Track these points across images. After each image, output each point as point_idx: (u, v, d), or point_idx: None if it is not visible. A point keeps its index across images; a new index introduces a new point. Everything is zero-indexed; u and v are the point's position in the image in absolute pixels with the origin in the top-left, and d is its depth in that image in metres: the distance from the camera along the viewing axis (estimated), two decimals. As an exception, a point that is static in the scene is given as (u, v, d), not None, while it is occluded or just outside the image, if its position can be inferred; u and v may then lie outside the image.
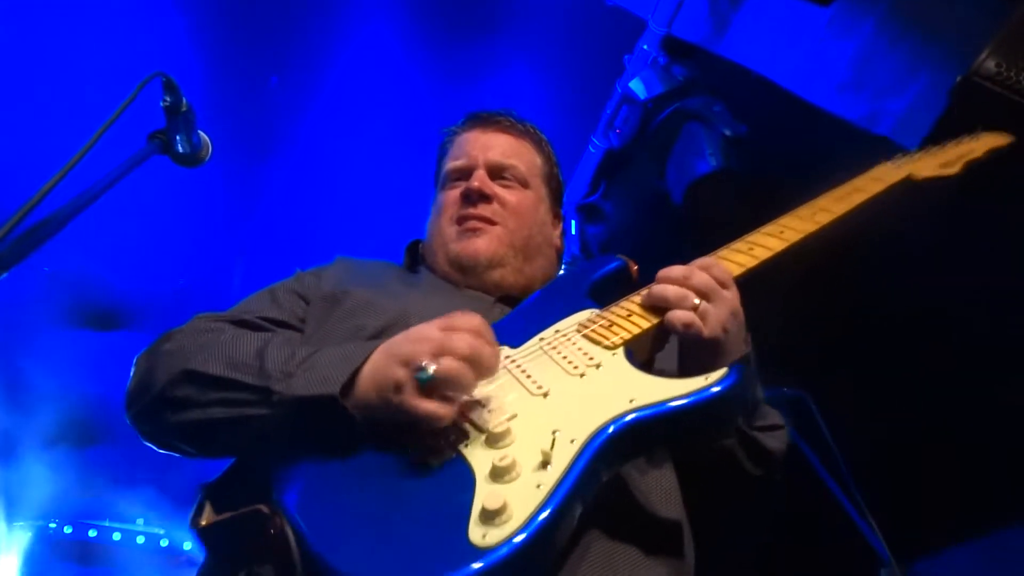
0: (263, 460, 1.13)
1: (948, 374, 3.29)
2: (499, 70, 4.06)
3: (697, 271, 1.27)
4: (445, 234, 1.69)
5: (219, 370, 1.18)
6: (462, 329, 1.12)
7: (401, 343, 1.13)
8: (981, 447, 3.62)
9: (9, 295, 4.76)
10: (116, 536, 5.62)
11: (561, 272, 1.82)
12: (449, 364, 1.07)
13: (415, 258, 1.80)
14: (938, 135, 2.67)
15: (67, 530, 5.50)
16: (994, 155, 1.73)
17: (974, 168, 1.69)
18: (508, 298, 1.61)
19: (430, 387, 1.06)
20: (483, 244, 1.64)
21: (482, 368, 1.11)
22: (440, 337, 1.11)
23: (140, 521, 5.74)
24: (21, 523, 5.36)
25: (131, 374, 1.32)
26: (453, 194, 1.72)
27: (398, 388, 1.07)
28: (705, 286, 1.24)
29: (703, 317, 1.21)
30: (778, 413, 1.46)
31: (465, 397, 1.10)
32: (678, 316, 1.22)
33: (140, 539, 5.68)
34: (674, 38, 3.48)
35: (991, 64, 2.33)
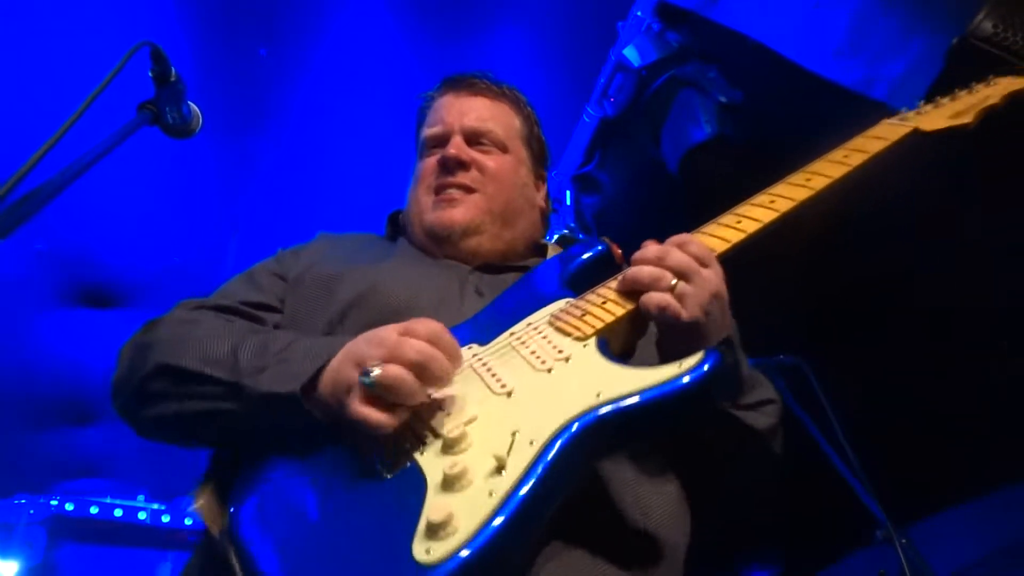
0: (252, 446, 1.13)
1: (946, 340, 3.30)
2: (491, 39, 4.02)
3: (673, 249, 1.18)
4: (421, 204, 1.66)
5: (193, 365, 1.17)
6: (418, 334, 1.08)
7: (359, 344, 1.10)
8: (976, 412, 3.65)
9: (1, 274, 4.74)
10: (118, 512, 5.65)
11: (549, 248, 1.77)
12: (392, 371, 1.02)
13: (396, 228, 1.78)
14: (934, 98, 2.67)
15: (68, 507, 5.53)
16: (1013, 99, 1.61)
17: (990, 116, 1.57)
18: (487, 266, 1.59)
19: (374, 393, 1.02)
20: (459, 214, 1.60)
21: (431, 377, 1.05)
22: (394, 341, 1.06)
23: (141, 497, 5.77)
24: (22, 500, 5.38)
25: (116, 365, 1.32)
26: (430, 162, 1.69)
27: (348, 389, 1.05)
28: (682, 265, 1.16)
29: (681, 299, 1.13)
30: (770, 386, 1.40)
31: (415, 403, 1.05)
32: (652, 299, 1.13)
33: (142, 515, 5.71)
34: (668, 4, 3.44)
35: (988, 25, 2.31)
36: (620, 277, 1.22)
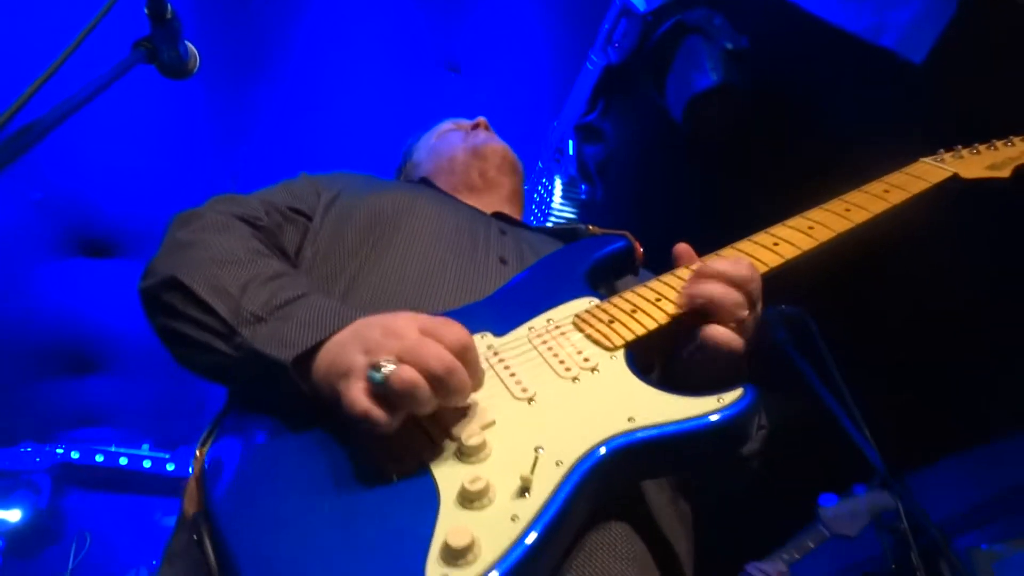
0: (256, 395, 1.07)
1: (944, 297, 3.31)
2: (493, -16, 3.93)
3: (757, 275, 1.07)
4: (456, 143, 1.79)
5: (201, 290, 1.09)
6: (445, 340, 0.93)
7: (372, 329, 0.98)
8: (973, 366, 3.67)
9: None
10: (123, 461, 5.73)
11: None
12: (409, 375, 0.89)
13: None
14: (944, 46, 2.62)
15: (74, 455, 5.60)
16: None
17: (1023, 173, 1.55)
18: (502, 216, 1.62)
19: (378, 391, 0.90)
20: (502, 144, 1.75)
21: (449, 394, 0.92)
22: (415, 340, 0.93)
23: (145, 446, 5.84)
24: (28, 448, 5.45)
25: (158, 249, 1.27)
26: (457, 132, 1.83)
27: (347, 374, 0.94)
28: (757, 296, 1.06)
29: (741, 332, 1.05)
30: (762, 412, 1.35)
31: (421, 413, 0.93)
32: (722, 334, 1.03)
33: (147, 463, 5.79)
34: (675, -52, 3.37)
35: (1003, -32, 2.26)
36: (679, 281, 1.14)
